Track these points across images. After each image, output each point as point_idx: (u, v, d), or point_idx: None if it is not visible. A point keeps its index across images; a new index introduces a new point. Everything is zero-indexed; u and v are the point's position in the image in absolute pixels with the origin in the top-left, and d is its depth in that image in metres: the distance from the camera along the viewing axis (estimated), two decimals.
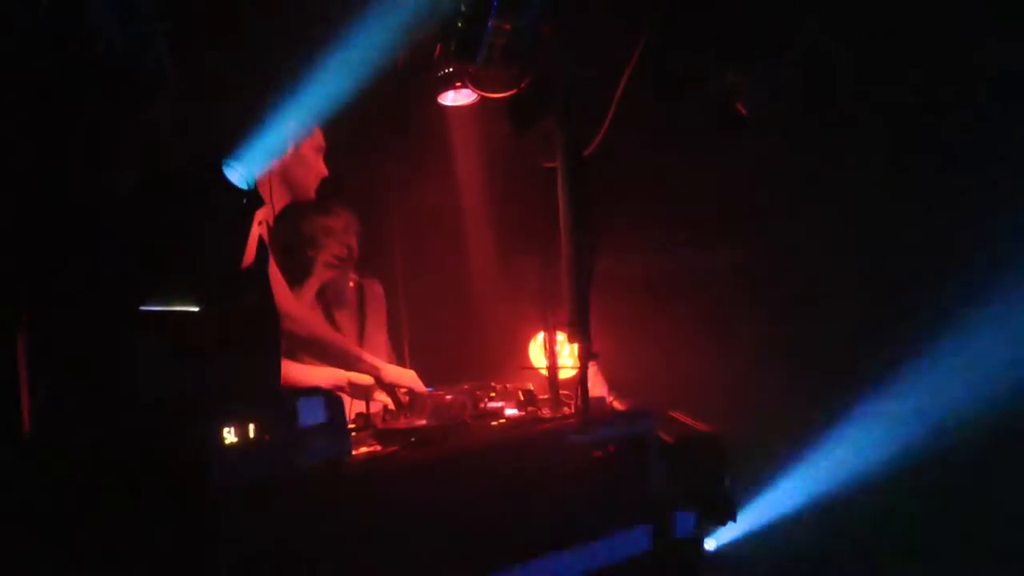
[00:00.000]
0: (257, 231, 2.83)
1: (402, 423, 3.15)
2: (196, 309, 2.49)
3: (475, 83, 3.64)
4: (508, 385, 3.76)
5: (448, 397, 3.49)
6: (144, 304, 2.42)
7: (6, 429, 2.26)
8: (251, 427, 2.18)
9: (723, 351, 4.59)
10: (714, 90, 3.81)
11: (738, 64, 3.71)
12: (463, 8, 3.18)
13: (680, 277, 4.66)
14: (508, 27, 3.16)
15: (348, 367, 3.68)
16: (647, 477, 3.03)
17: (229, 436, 2.14)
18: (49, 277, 2.32)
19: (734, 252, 4.66)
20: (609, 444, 2.98)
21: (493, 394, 3.63)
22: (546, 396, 3.57)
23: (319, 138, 3.66)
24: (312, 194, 3.71)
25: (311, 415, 2.32)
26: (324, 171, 3.70)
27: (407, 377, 3.73)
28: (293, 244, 4.04)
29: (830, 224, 4.59)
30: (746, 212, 4.60)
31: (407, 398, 3.63)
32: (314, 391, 2.37)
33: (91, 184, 2.37)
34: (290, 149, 3.51)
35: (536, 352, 4.08)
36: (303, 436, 2.29)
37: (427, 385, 3.76)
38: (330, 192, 3.81)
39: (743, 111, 3.76)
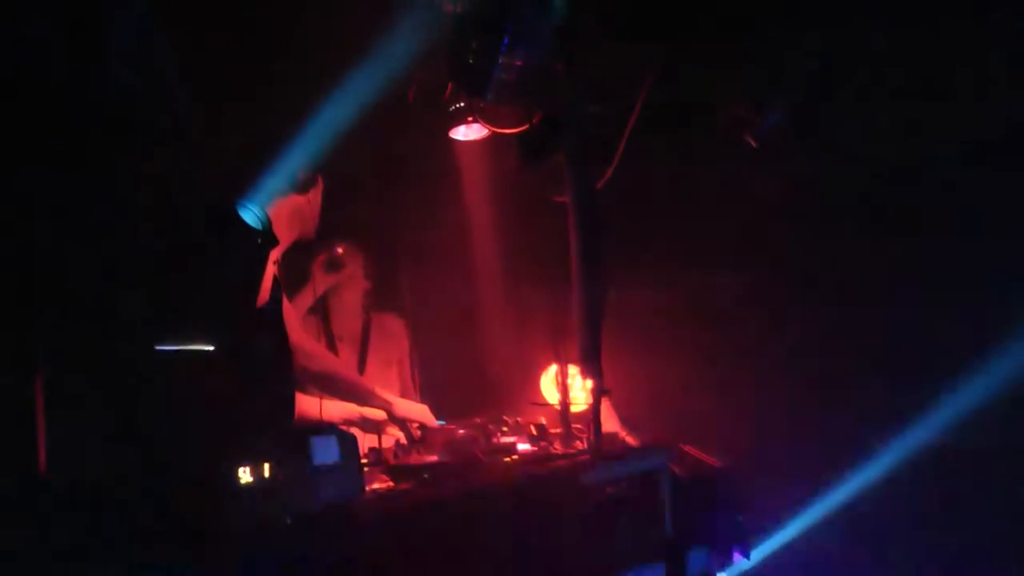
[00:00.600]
0: (272, 270, 2.84)
1: (415, 459, 3.14)
2: (211, 348, 2.49)
3: (486, 118, 3.65)
4: (519, 419, 3.75)
5: (460, 432, 3.49)
6: (159, 344, 2.42)
7: (23, 466, 2.26)
8: (266, 466, 2.18)
9: (733, 383, 4.57)
10: (723, 121, 3.82)
11: (747, 97, 3.72)
12: (474, 44, 3.20)
13: (689, 308, 4.64)
14: (519, 63, 3.17)
15: (360, 402, 3.67)
16: (661, 514, 3.01)
17: (244, 476, 2.14)
18: (66, 316, 2.33)
19: (744, 282, 4.64)
20: (623, 481, 2.97)
21: (505, 428, 3.62)
22: (558, 430, 3.57)
23: (319, 178, 3.68)
24: (313, 232, 3.71)
25: (325, 454, 2.31)
26: (318, 212, 3.70)
27: (419, 412, 3.73)
28: (302, 279, 4.06)
29: (843, 254, 4.57)
30: (757, 242, 4.59)
31: (419, 433, 3.62)
32: (328, 429, 2.36)
33: (108, 226, 2.38)
34: (311, 190, 3.54)
35: (548, 385, 4.07)
36: (317, 475, 2.28)
37: (439, 419, 3.75)
38: (338, 227, 3.82)
39: (753, 142, 3.77)
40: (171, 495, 2.16)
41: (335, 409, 3.66)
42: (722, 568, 3.26)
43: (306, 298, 4.12)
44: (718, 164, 4.18)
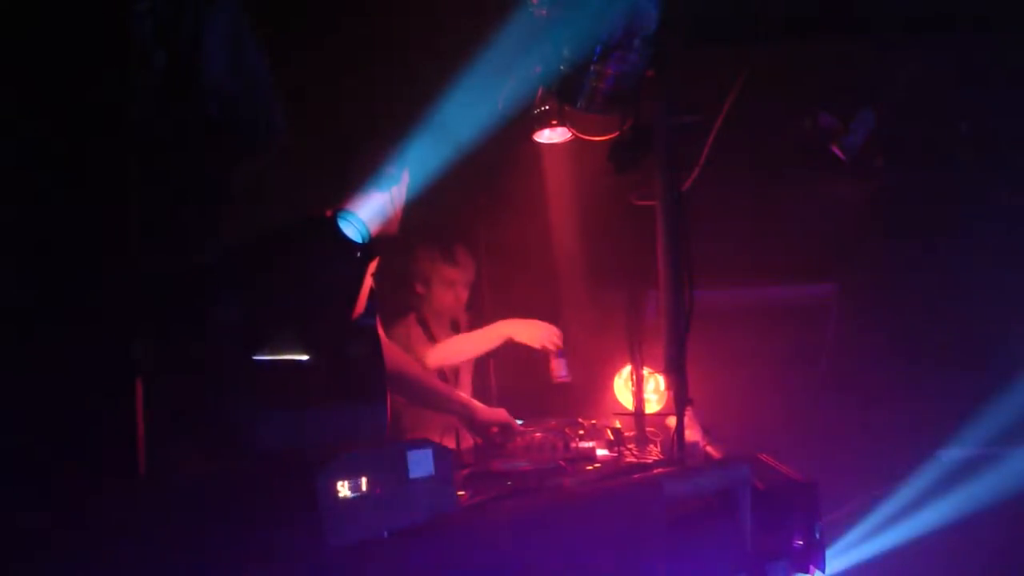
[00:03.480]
0: (370, 283, 2.85)
1: (496, 465, 3.15)
2: (306, 359, 2.51)
3: (575, 125, 3.64)
4: (595, 422, 3.76)
5: (538, 435, 3.49)
6: (257, 354, 2.44)
7: (124, 470, 2.29)
8: (363, 480, 2.18)
9: (813, 391, 4.55)
10: (809, 131, 3.79)
11: (834, 109, 3.69)
12: (566, 52, 3.18)
13: (769, 313, 4.61)
14: (610, 72, 3.15)
15: (437, 406, 3.66)
16: (742, 526, 2.99)
17: (343, 489, 2.14)
18: (165, 326, 2.35)
19: (826, 288, 4.60)
20: (706, 493, 2.96)
21: (582, 432, 3.63)
22: (632, 433, 3.57)
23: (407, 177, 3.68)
24: (397, 228, 3.72)
25: (421, 467, 2.31)
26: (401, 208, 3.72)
27: (500, 416, 3.71)
28: (400, 280, 4.08)
29: (928, 260, 4.52)
30: (840, 247, 4.55)
31: (500, 438, 3.63)
32: (423, 442, 2.36)
33: (206, 236, 2.40)
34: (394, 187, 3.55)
35: (621, 387, 4.07)
36: (413, 489, 2.28)
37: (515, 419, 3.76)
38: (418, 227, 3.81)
39: (840, 153, 3.74)
40: (267, 507, 2.17)
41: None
42: None
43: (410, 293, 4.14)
44: (800, 172, 4.15)
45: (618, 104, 3.28)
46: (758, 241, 4.44)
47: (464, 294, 4.24)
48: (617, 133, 3.37)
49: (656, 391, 3.86)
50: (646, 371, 3.73)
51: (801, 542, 3.19)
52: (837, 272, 4.60)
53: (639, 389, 3.60)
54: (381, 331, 3.42)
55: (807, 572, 3.27)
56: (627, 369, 3.94)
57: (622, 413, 3.75)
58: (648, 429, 3.59)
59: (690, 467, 3.10)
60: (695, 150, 3.37)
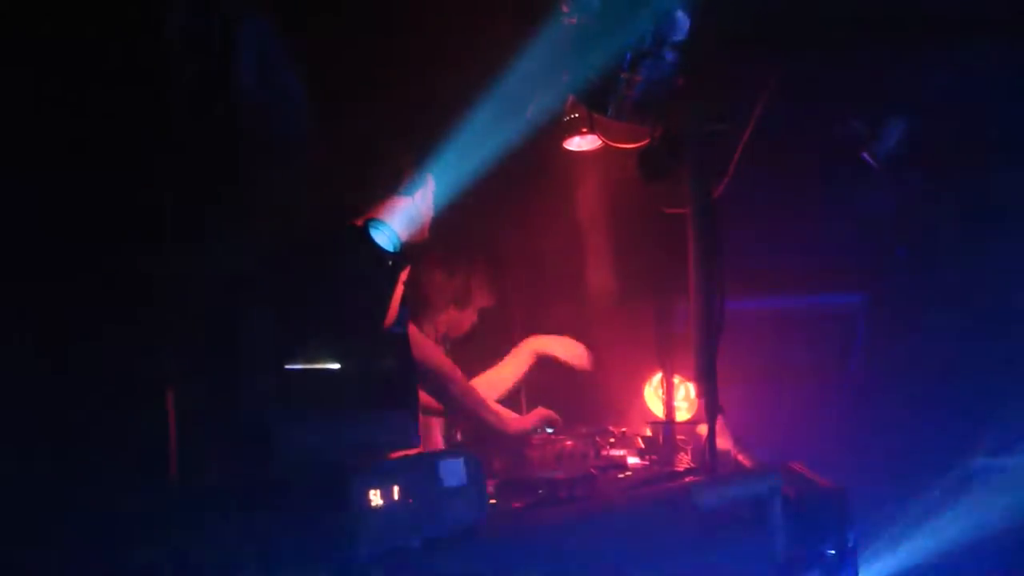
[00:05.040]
0: (401, 291, 2.85)
1: (527, 472, 3.15)
2: (337, 367, 2.51)
3: (604, 133, 3.64)
4: (625, 430, 3.75)
5: (568, 443, 3.48)
6: (289, 362, 2.45)
7: (156, 473, 2.31)
8: (396, 489, 2.17)
9: (842, 400, 4.52)
10: (839, 139, 3.78)
11: (864, 116, 3.68)
12: (596, 60, 3.19)
13: (797, 323, 4.59)
14: (640, 79, 3.16)
15: (470, 413, 3.56)
16: (773, 534, 2.98)
17: (375, 499, 2.13)
18: (196, 335, 2.36)
19: (855, 297, 4.59)
20: (737, 501, 2.95)
21: (612, 440, 3.62)
22: (663, 441, 3.56)
23: (432, 182, 3.68)
24: (425, 235, 3.71)
25: (452, 476, 2.31)
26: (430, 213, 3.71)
27: (534, 418, 3.68)
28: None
29: (961, 267, 4.50)
30: (870, 256, 4.54)
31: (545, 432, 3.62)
32: (455, 452, 2.37)
33: (236, 244, 2.41)
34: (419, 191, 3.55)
35: (651, 395, 4.06)
36: (445, 498, 2.28)
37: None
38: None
39: (870, 160, 3.73)
40: (299, 514, 2.17)
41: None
42: None
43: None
44: (830, 180, 4.13)
45: (648, 112, 3.29)
46: (786, 250, 4.42)
47: (466, 318, 4.04)
48: (647, 141, 3.37)
49: (686, 399, 3.85)
50: (676, 379, 3.72)
51: (833, 551, 3.18)
52: (866, 281, 4.58)
53: (669, 397, 3.59)
54: (416, 332, 3.40)
55: None
56: (657, 377, 3.94)
57: (653, 421, 3.74)
58: (679, 437, 3.57)
59: (721, 475, 3.09)
60: (725, 158, 3.36)
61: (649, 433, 3.61)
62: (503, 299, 4.10)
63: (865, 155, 3.70)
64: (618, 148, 3.62)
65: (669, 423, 3.54)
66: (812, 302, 4.61)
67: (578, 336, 4.18)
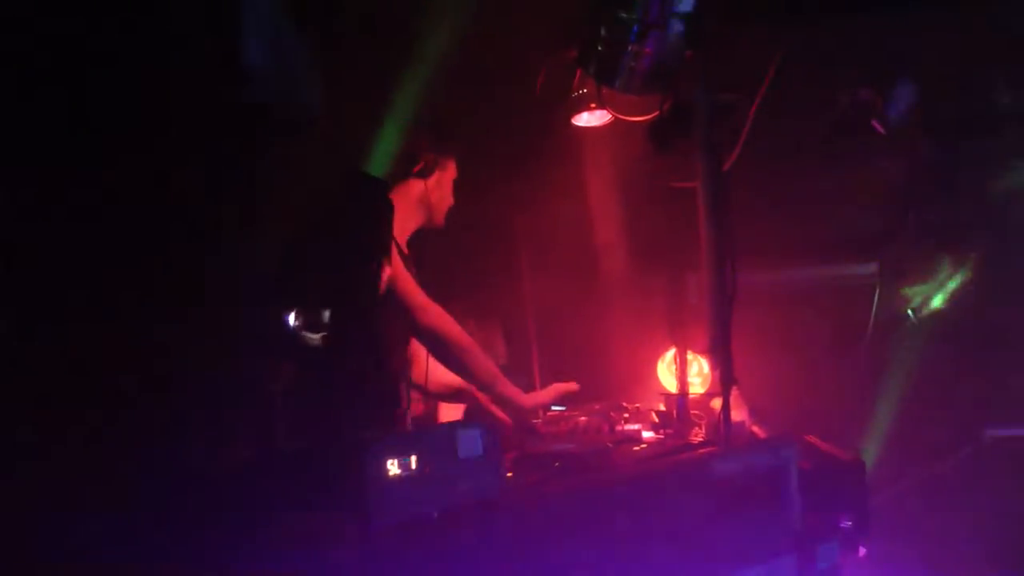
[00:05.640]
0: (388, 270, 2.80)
1: (542, 446, 3.15)
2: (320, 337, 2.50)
3: (613, 107, 3.63)
4: (639, 405, 3.74)
5: (583, 419, 3.49)
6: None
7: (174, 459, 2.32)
8: (413, 459, 2.17)
9: (855, 371, 4.51)
10: (848, 107, 3.76)
11: (873, 84, 3.66)
12: (603, 32, 3.18)
13: (810, 293, 4.59)
14: (648, 51, 3.15)
15: (483, 382, 3.59)
16: (790, 506, 2.98)
17: (393, 468, 2.13)
18: (195, 303, 2.36)
19: (869, 267, 4.57)
20: (753, 473, 2.94)
21: (626, 415, 3.62)
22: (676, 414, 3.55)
23: (453, 168, 3.69)
24: (443, 220, 3.73)
25: (469, 447, 2.31)
26: (452, 200, 3.73)
27: (550, 394, 3.69)
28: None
29: (972, 235, 4.48)
30: (882, 224, 4.52)
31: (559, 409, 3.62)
32: (472, 423, 2.36)
33: (242, 220, 2.41)
34: (435, 175, 3.57)
35: (664, 371, 4.05)
36: (462, 469, 2.28)
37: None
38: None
39: (879, 127, 3.71)
40: (315, 484, 2.18)
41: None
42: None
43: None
44: (840, 148, 4.11)
45: (657, 84, 3.27)
46: (797, 220, 4.41)
47: None
48: (656, 114, 3.36)
49: (700, 374, 3.84)
50: (689, 353, 3.71)
51: (849, 522, 3.18)
52: (879, 250, 4.56)
53: (682, 371, 3.58)
54: (432, 302, 3.40)
55: (856, 552, 3.26)
56: (670, 352, 3.93)
57: (667, 394, 3.73)
58: (693, 412, 3.57)
59: (736, 447, 3.09)
60: (734, 130, 3.35)
61: (663, 408, 3.60)
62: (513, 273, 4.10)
63: (874, 122, 3.68)
64: (628, 121, 3.61)
65: (683, 396, 3.54)
66: (824, 272, 4.60)
67: (590, 314, 4.18)
